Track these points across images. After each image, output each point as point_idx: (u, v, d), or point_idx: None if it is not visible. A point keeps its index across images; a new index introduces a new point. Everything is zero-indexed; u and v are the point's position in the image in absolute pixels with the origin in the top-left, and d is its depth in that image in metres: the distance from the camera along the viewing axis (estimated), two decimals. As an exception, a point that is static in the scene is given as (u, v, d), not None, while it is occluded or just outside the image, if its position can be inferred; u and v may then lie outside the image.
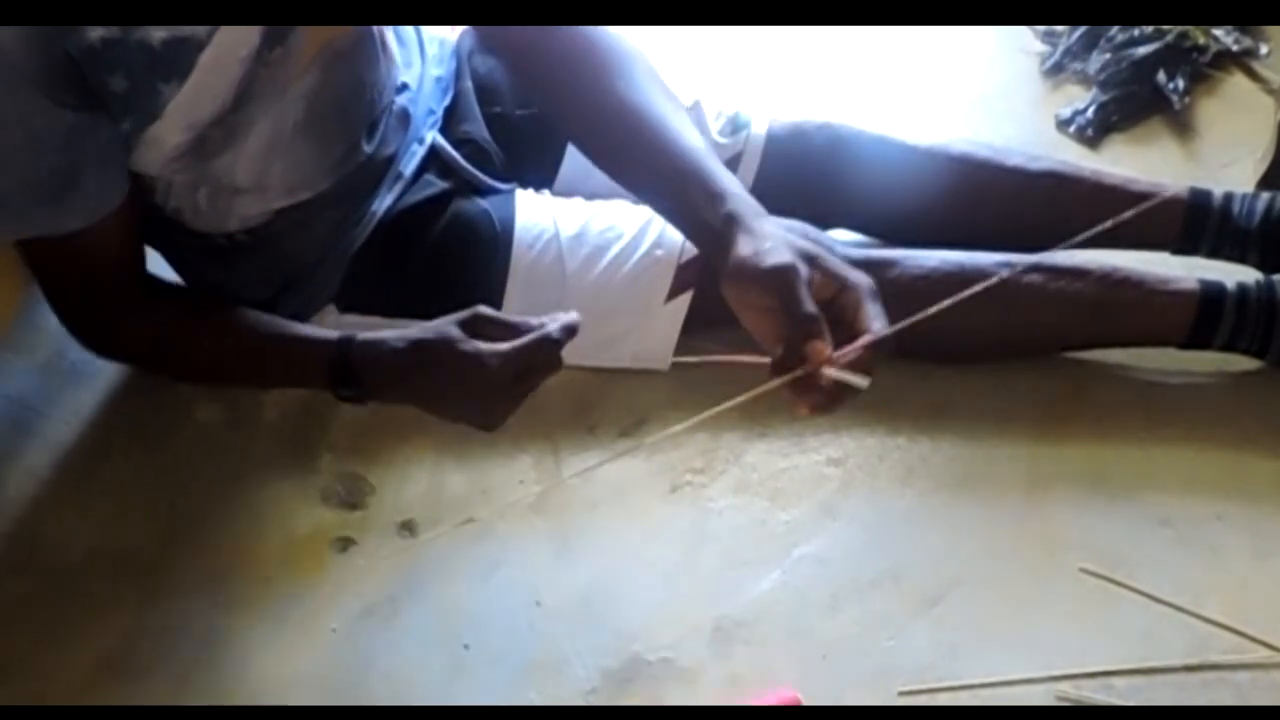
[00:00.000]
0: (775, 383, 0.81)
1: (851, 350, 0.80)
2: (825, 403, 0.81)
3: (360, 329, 1.09)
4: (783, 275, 0.81)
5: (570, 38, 0.99)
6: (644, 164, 0.94)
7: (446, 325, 1.01)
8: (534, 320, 0.99)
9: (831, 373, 0.80)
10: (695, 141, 0.92)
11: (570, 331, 0.98)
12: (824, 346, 0.79)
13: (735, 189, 0.88)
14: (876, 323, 0.82)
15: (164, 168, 1.03)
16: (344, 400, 1.08)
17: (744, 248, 0.84)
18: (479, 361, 0.97)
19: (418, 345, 1.01)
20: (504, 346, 0.98)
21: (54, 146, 0.94)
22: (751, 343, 0.86)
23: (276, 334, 1.10)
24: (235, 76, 1.00)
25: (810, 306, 0.81)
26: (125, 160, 1.01)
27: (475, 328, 1.00)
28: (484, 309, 1.02)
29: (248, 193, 1.11)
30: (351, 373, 1.05)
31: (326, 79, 1.09)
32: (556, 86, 1.01)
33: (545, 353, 0.98)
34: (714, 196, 0.88)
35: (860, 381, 0.81)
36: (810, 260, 0.83)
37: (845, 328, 0.82)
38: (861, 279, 0.84)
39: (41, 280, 1.09)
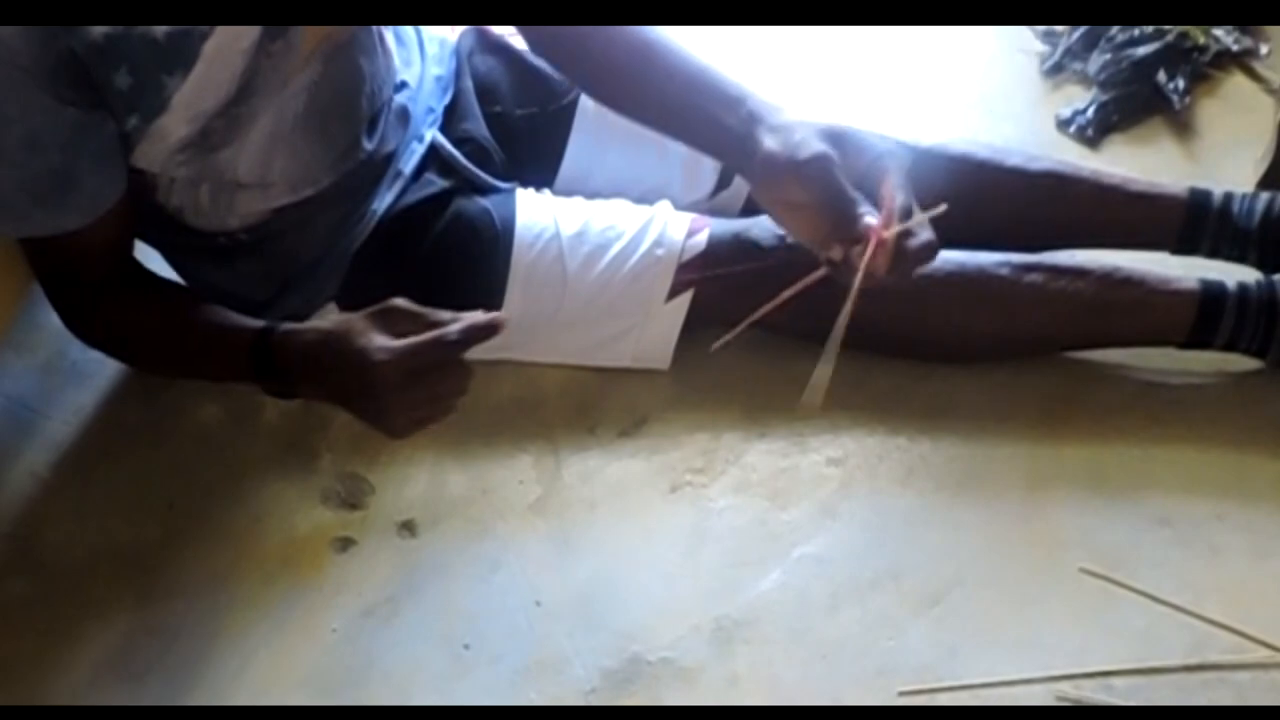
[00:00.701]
0: (812, 278, 0.83)
1: (887, 216, 0.81)
2: (898, 264, 0.82)
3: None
4: (819, 165, 0.82)
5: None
6: (658, 88, 0.94)
7: (356, 316, 0.97)
8: (446, 316, 0.94)
9: (893, 231, 0.81)
10: (703, 61, 0.93)
11: (480, 332, 0.92)
12: (870, 223, 0.80)
13: (752, 89, 0.88)
14: (901, 193, 0.82)
15: (168, 161, 1.03)
16: (272, 395, 1.06)
17: (771, 143, 0.84)
18: (366, 357, 0.93)
19: (324, 337, 0.98)
20: (396, 343, 0.93)
21: (54, 145, 0.94)
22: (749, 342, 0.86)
23: (210, 323, 1.08)
24: (238, 67, 1.00)
25: (850, 190, 0.81)
26: (123, 160, 1.01)
27: (387, 320, 0.95)
28: (400, 301, 0.96)
29: (250, 189, 1.11)
30: (273, 364, 1.02)
31: (327, 71, 1.09)
32: (568, 31, 1.02)
33: (441, 354, 0.93)
34: (732, 101, 0.88)
35: (930, 215, 0.81)
36: (838, 139, 0.83)
37: (874, 195, 0.83)
38: (887, 147, 0.85)
39: (34, 266, 1.10)
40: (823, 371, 0.87)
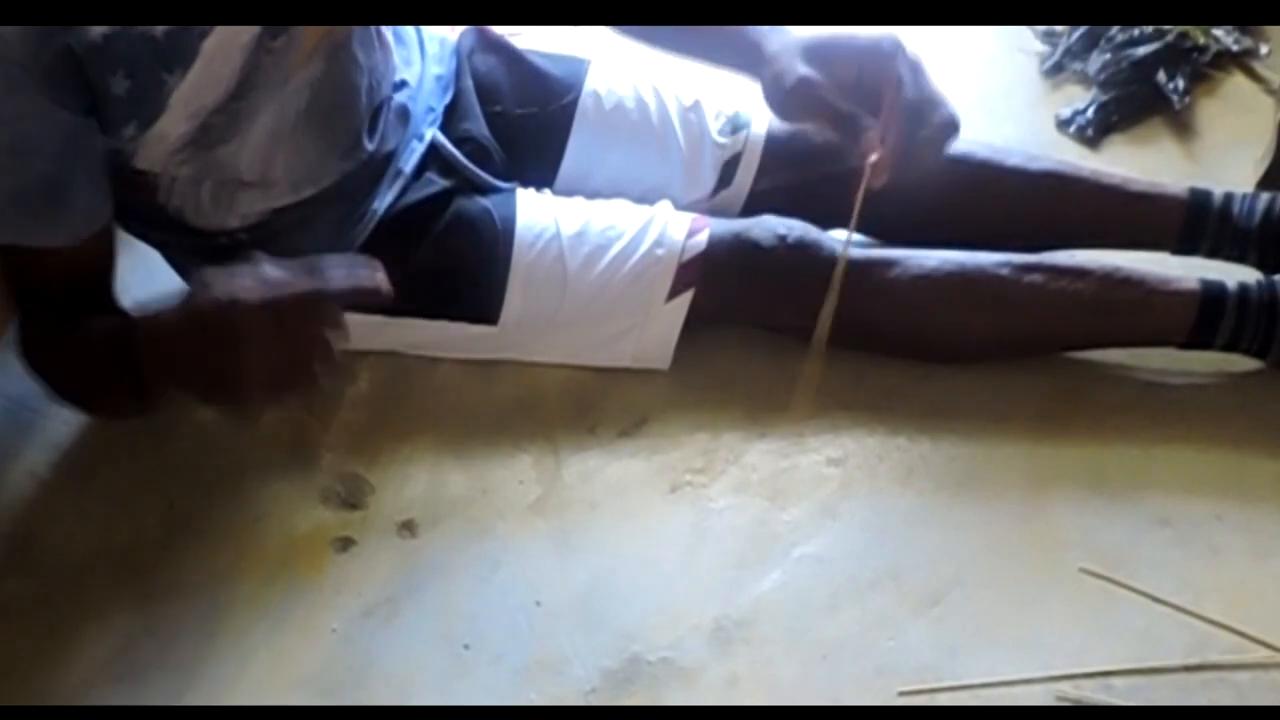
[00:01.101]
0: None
1: (887, 123, 0.84)
2: (918, 154, 0.85)
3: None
4: (802, 91, 0.86)
5: None
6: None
7: (214, 269, 0.87)
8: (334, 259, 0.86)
9: (882, 149, 0.84)
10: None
11: (365, 293, 0.83)
12: (869, 138, 0.83)
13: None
14: (894, 79, 0.84)
15: (169, 161, 1.03)
16: (131, 408, 0.97)
17: (765, 74, 0.88)
18: (227, 297, 0.82)
19: (180, 303, 0.88)
20: (264, 280, 0.83)
21: (46, 153, 0.93)
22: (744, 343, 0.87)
23: (91, 333, 1.01)
24: (237, 63, 1.00)
25: (843, 107, 0.84)
26: (109, 184, 1.00)
27: (254, 273, 0.85)
28: (265, 260, 0.86)
29: (252, 187, 1.11)
30: (132, 350, 0.93)
31: (330, 68, 1.10)
32: None
33: (316, 303, 0.83)
34: (737, 29, 0.93)
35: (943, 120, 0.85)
36: (822, 53, 0.87)
37: (875, 93, 0.86)
38: (879, 44, 0.87)
39: (10, 282, 1.05)
40: (810, 371, 0.88)
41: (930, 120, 0.87)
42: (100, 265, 1.06)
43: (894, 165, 0.85)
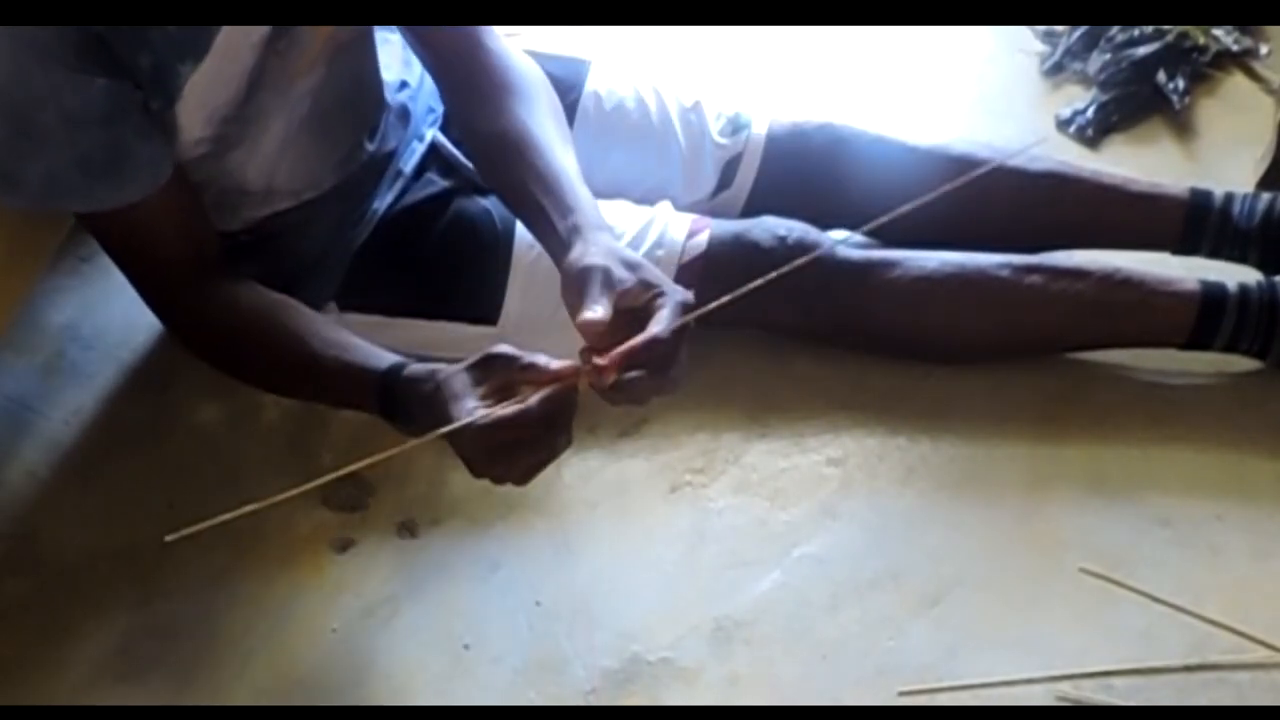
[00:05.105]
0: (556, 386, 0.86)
1: (616, 353, 0.83)
2: (616, 398, 0.85)
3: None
4: (586, 273, 0.87)
5: (492, 56, 1.08)
6: (519, 180, 1.01)
7: (457, 370, 0.91)
8: (552, 366, 0.87)
9: (565, 382, 0.85)
10: (569, 166, 1.01)
11: (556, 403, 0.86)
12: (589, 356, 0.84)
13: (587, 206, 0.96)
14: (657, 326, 0.85)
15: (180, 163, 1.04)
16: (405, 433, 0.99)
17: (574, 252, 0.90)
18: (451, 422, 0.87)
19: (433, 391, 0.92)
20: (478, 415, 0.86)
21: (95, 120, 0.94)
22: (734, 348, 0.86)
23: (330, 355, 1.02)
24: (247, 63, 1.01)
25: (596, 310, 0.85)
26: (165, 134, 1.00)
27: (483, 372, 0.89)
28: (503, 347, 0.89)
29: (254, 194, 1.12)
30: (398, 409, 0.98)
31: (331, 73, 1.10)
32: (465, 95, 1.09)
33: (524, 429, 0.86)
34: (568, 210, 0.95)
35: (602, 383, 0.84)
36: (630, 266, 0.88)
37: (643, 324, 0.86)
38: (676, 291, 0.88)
39: (122, 266, 1.08)
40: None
41: (670, 370, 0.86)
42: (194, 206, 1.06)
43: (608, 386, 0.84)
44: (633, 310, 0.87)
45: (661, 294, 0.87)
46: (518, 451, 0.87)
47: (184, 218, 1.05)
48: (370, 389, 0.99)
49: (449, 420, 0.88)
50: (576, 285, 0.88)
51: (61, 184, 0.97)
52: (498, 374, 0.89)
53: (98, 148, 0.95)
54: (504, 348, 0.90)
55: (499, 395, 0.88)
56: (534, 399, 0.87)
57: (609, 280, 0.87)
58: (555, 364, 0.88)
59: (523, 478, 0.90)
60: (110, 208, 1.00)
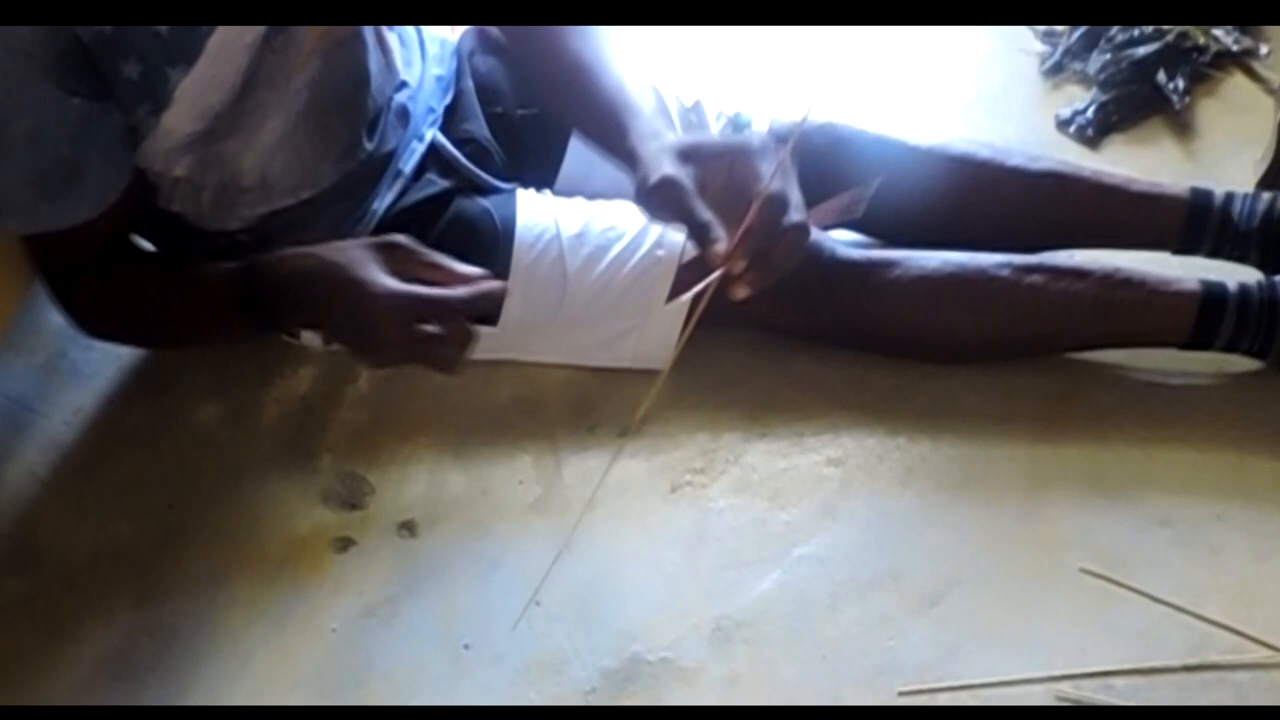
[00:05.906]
0: (689, 294, 0.85)
1: (735, 241, 0.82)
2: (753, 280, 0.84)
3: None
4: (663, 192, 0.86)
5: None
6: (576, 119, 1.04)
7: (354, 244, 0.96)
8: (460, 268, 0.94)
9: (728, 265, 0.83)
10: (615, 83, 0.99)
11: (486, 300, 0.92)
12: (717, 252, 0.83)
13: (638, 122, 0.94)
14: (762, 183, 0.84)
15: (168, 159, 1.03)
16: (257, 332, 1.04)
17: (638, 173, 0.89)
18: (364, 292, 0.92)
19: (319, 265, 0.97)
20: (397, 287, 0.92)
21: (62, 138, 0.94)
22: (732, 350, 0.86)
23: (201, 272, 1.07)
24: (242, 63, 1.01)
25: (700, 214, 0.84)
26: (130, 152, 1.01)
27: (388, 255, 0.95)
28: (403, 238, 0.96)
29: (251, 191, 1.12)
30: (261, 290, 1.01)
31: (327, 67, 1.10)
32: (528, 39, 1.09)
33: (443, 314, 0.92)
34: (623, 132, 0.94)
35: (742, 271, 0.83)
36: (692, 154, 0.87)
37: (746, 195, 0.85)
38: (748, 144, 0.87)
39: (34, 256, 1.09)
40: (654, 391, 0.89)
41: (785, 220, 0.86)
42: (126, 211, 1.07)
43: (751, 276, 0.84)
44: (727, 177, 0.86)
45: (738, 154, 0.86)
46: (432, 337, 0.90)
47: (109, 225, 1.05)
48: (230, 282, 1.01)
49: (356, 284, 0.90)
50: (662, 206, 0.86)
51: (10, 201, 0.96)
52: (399, 260, 0.92)
53: (57, 166, 0.95)
54: (405, 238, 0.94)
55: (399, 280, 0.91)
56: (460, 291, 0.90)
57: (686, 191, 0.85)
58: (460, 266, 0.91)
59: (425, 361, 0.92)
60: (45, 230, 1.00)
